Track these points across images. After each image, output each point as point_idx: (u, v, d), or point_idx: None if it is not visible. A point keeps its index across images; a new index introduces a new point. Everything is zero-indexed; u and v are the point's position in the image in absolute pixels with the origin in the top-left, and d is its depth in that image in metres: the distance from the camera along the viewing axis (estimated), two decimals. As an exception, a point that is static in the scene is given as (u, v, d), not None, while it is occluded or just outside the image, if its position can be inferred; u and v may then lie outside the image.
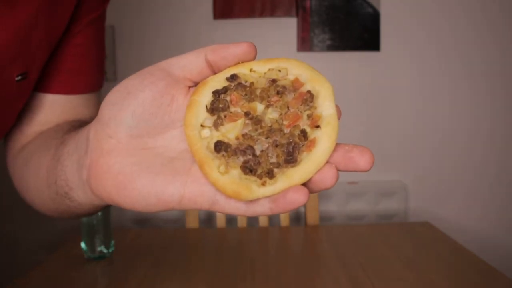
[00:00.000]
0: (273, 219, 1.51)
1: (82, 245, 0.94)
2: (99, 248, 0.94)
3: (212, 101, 0.30)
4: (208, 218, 1.56)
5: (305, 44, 1.56)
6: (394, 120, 1.62)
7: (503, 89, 1.61)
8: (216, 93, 0.30)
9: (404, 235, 1.07)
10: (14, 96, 0.48)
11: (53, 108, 0.54)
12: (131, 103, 0.31)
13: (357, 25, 1.55)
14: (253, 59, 0.32)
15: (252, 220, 1.50)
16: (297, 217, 1.57)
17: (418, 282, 0.80)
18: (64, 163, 0.40)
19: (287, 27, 1.58)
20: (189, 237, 1.12)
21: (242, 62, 0.31)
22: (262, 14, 1.55)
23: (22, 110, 0.53)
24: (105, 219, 0.94)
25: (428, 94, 1.61)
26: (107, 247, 0.95)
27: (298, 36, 1.57)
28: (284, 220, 1.22)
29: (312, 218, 1.22)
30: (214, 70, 0.32)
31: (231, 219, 1.47)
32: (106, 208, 0.94)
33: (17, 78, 0.47)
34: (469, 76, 1.61)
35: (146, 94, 0.31)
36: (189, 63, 0.32)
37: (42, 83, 0.53)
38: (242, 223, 1.22)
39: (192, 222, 1.22)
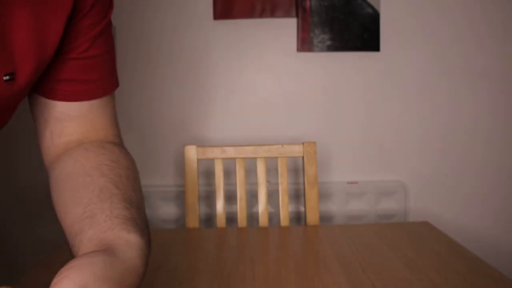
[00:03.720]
0: (273, 219, 1.51)
1: (82, 245, 0.94)
2: (99, 248, 0.94)
3: None
4: (208, 218, 1.56)
5: (305, 44, 1.56)
6: (394, 120, 1.62)
7: (503, 89, 1.62)
8: None
9: (404, 235, 1.07)
10: (4, 98, 0.52)
11: (78, 117, 0.61)
12: None
13: (357, 26, 1.55)
14: None
15: (252, 220, 1.50)
16: (297, 217, 1.57)
17: (418, 282, 0.80)
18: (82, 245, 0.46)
19: (287, 28, 1.58)
20: (189, 237, 1.12)
21: None
22: (262, 14, 1.55)
23: (52, 124, 0.61)
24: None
25: (428, 94, 1.61)
26: None
27: (298, 37, 1.57)
28: (284, 220, 1.22)
29: (312, 218, 1.23)
30: None
31: (231, 219, 1.47)
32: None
33: (5, 78, 0.50)
34: (469, 76, 1.61)
35: None
36: None
37: (68, 94, 0.59)
38: (242, 223, 1.23)
39: (192, 222, 1.22)
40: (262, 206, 1.23)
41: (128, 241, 0.43)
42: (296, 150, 1.25)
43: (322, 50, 1.57)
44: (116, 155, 0.58)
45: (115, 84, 0.65)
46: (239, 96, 1.60)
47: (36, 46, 0.52)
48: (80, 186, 0.53)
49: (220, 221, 1.23)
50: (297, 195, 1.56)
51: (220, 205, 1.23)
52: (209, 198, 1.55)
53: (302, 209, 1.54)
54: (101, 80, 0.62)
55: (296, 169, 1.59)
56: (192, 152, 1.24)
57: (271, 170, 1.46)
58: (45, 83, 0.59)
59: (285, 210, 1.23)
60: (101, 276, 0.37)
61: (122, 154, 0.60)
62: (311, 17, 1.55)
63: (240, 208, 1.23)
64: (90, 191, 0.51)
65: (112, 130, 0.65)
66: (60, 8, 0.53)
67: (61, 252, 1.00)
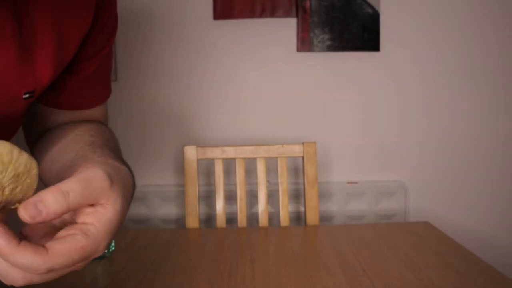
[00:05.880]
0: (273, 219, 1.51)
1: (82, 245, 0.94)
2: (99, 248, 0.94)
3: None
4: (208, 218, 1.56)
5: (305, 44, 1.56)
6: (394, 120, 1.62)
7: (503, 89, 1.61)
8: None
9: (404, 235, 1.07)
10: (20, 112, 0.54)
11: (73, 115, 0.65)
12: None
13: (357, 26, 1.55)
14: None
15: (252, 220, 1.50)
16: (297, 217, 1.57)
17: (418, 282, 0.80)
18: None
19: (287, 28, 1.58)
20: (189, 237, 1.12)
21: None
22: (262, 14, 1.55)
23: (46, 115, 0.64)
24: (105, 219, 0.94)
25: (428, 94, 1.61)
26: (107, 247, 0.95)
27: (298, 37, 1.57)
28: (284, 220, 1.22)
29: (312, 218, 1.23)
30: None
31: (231, 219, 1.47)
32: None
33: (24, 96, 0.51)
34: (469, 76, 1.61)
35: None
36: None
37: (66, 104, 0.63)
38: (242, 223, 1.23)
39: (192, 222, 1.22)
40: (262, 206, 1.23)
41: (120, 168, 0.46)
42: (296, 150, 1.25)
43: (322, 50, 1.57)
44: (102, 128, 0.63)
45: (110, 92, 0.69)
46: (239, 96, 1.60)
47: (55, 63, 0.52)
48: (70, 142, 0.55)
49: (220, 221, 1.23)
50: (297, 195, 1.56)
51: (220, 205, 1.23)
52: (209, 198, 1.55)
53: (302, 209, 1.54)
54: (100, 93, 0.66)
55: (296, 169, 1.59)
56: (192, 152, 1.24)
57: (271, 170, 1.46)
58: (46, 94, 0.60)
59: (285, 210, 1.23)
60: (115, 172, 0.41)
61: (107, 129, 0.65)
62: (311, 17, 1.55)
63: (240, 208, 1.23)
64: (82, 143, 0.53)
65: (102, 120, 0.69)
66: (80, 26, 0.53)
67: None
